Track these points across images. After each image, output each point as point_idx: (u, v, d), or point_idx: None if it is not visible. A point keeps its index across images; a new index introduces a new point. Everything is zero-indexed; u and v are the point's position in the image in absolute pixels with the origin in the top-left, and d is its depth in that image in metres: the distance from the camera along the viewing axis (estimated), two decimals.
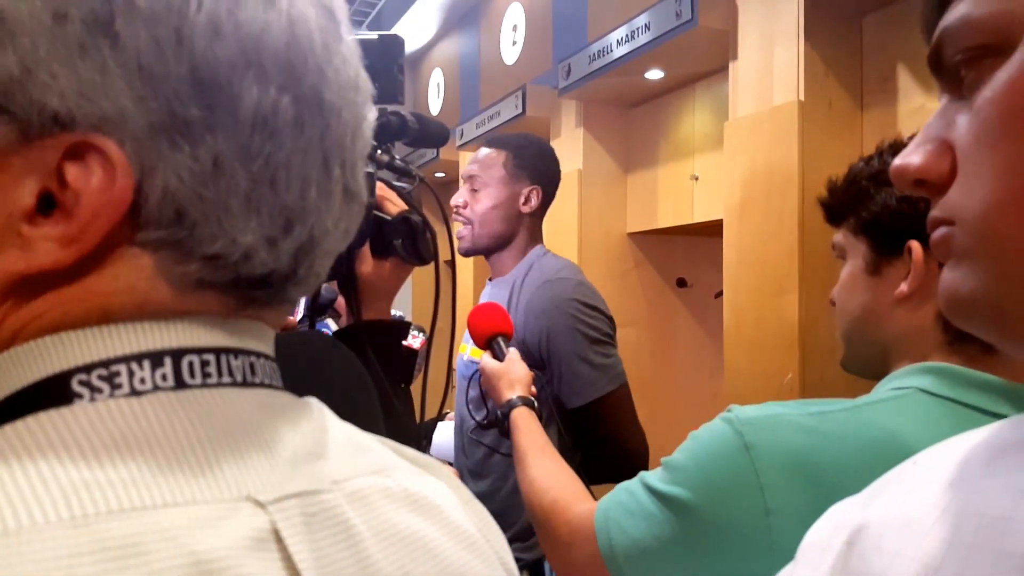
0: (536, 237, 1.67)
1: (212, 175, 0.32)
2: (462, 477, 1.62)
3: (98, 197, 0.31)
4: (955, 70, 0.35)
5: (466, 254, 1.66)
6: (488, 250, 1.65)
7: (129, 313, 0.33)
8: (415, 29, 4.61)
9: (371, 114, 0.39)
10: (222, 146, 0.32)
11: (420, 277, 4.14)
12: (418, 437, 0.96)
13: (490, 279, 1.71)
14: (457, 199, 1.64)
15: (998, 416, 0.70)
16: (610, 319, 1.57)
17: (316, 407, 0.40)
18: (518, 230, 1.63)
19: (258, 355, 0.37)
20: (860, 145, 1.94)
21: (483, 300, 1.58)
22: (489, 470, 1.56)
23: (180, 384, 0.33)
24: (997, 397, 0.71)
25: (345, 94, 0.36)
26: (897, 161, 0.36)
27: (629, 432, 1.52)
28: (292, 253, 0.36)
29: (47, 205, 0.31)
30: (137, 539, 0.28)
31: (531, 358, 1.50)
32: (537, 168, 1.64)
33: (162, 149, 0.31)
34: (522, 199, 1.62)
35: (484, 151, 1.65)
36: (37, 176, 0.31)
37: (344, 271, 0.87)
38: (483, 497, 1.72)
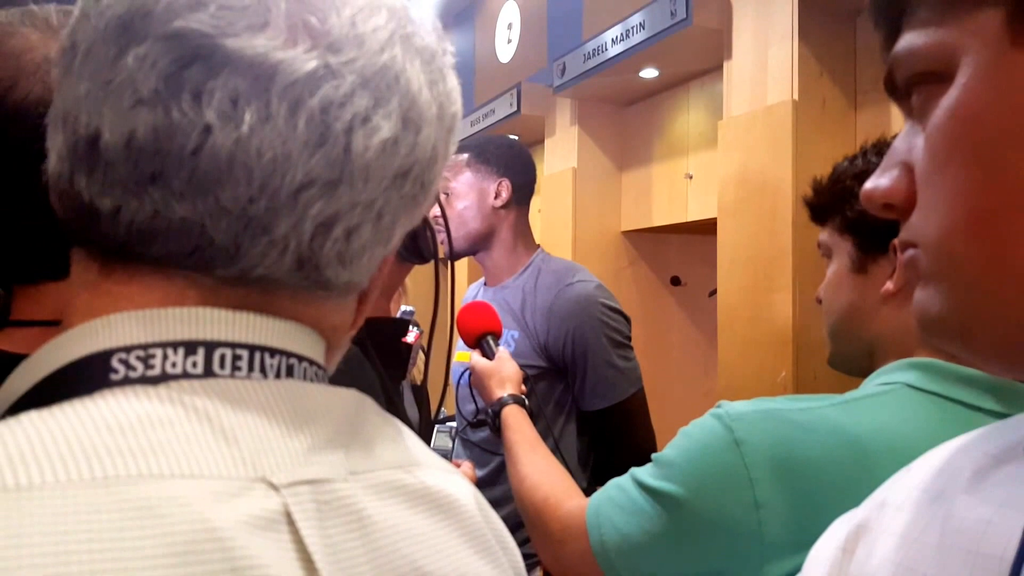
0: (525, 234, 1.67)
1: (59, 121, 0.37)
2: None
3: None
4: (908, 96, 0.36)
5: (445, 259, 1.66)
6: (470, 251, 1.65)
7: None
8: None
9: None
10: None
11: (417, 275, 4.13)
12: (424, 433, 0.97)
13: (485, 284, 1.71)
14: (434, 210, 1.63)
15: (982, 410, 0.72)
16: (628, 320, 1.59)
17: (352, 397, 0.41)
18: (496, 226, 1.63)
19: (300, 358, 0.38)
20: (854, 145, 1.95)
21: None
22: (504, 478, 1.56)
23: (209, 372, 0.35)
24: (981, 391, 0.73)
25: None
26: (867, 185, 0.37)
27: (644, 435, 1.55)
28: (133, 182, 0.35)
29: None
30: (154, 502, 0.30)
31: (552, 361, 1.52)
32: (501, 161, 1.64)
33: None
34: (492, 194, 1.62)
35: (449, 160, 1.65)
36: None
37: None
38: (494, 503, 1.71)
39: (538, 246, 1.69)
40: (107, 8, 0.35)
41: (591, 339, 1.50)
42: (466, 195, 1.61)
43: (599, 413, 1.51)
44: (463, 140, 1.75)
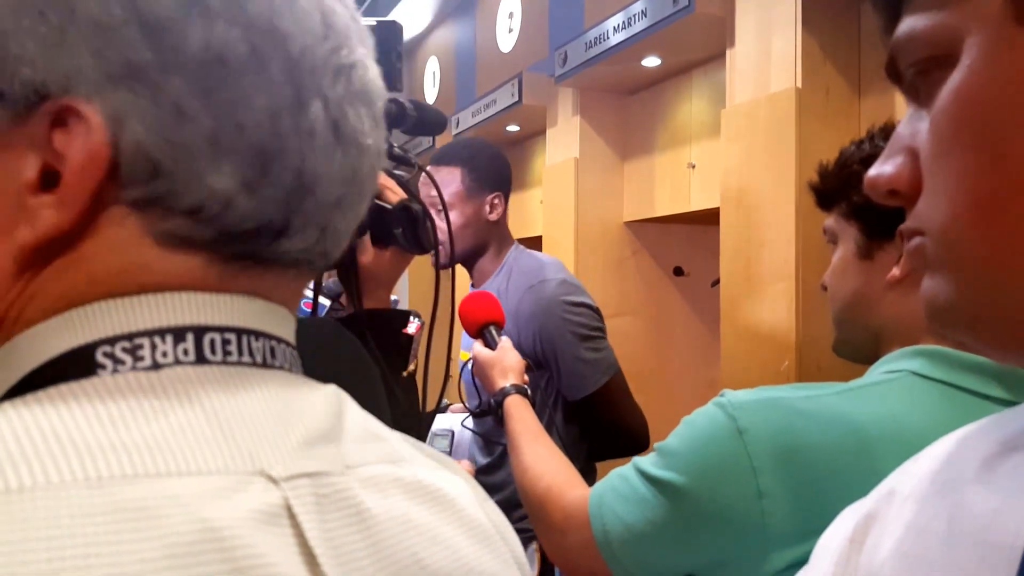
0: (507, 237, 1.72)
1: (176, 119, 0.33)
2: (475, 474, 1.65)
3: (80, 156, 0.32)
4: (911, 81, 0.35)
5: (442, 268, 1.67)
6: (464, 262, 1.70)
7: (124, 279, 0.34)
8: (411, 17, 4.59)
9: (362, 59, 0.39)
10: (179, 88, 0.33)
11: (416, 269, 4.14)
12: (420, 425, 0.97)
13: (472, 286, 1.74)
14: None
15: (990, 398, 0.71)
16: (596, 311, 1.62)
17: (335, 394, 0.40)
18: (490, 238, 1.68)
19: (279, 340, 0.38)
20: (858, 132, 1.93)
21: None
22: (506, 462, 1.59)
23: (201, 359, 0.34)
24: (988, 379, 0.72)
25: (308, 27, 0.36)
26: (871, 172, 0.36)
27: (628, 415, 1.60)
28: (281, 201, 0.35)
29: (53, 180, 0.33)
30: (150, 504, 0.29)
31: (527, 358, 1.55)
32: (493, 175, 1.67)
33: (125, 99, 0.32)
34: (487, 209, 1.66)
35: (437, 171, 1.66)
36: (36, 151, 0.33)
37: (345, 261, 0.88)
38: (496, 486, 1.72)
39: (513, 242, 1.73)
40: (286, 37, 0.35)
41: (556, 338, 1.54)
42: (461, 212, 1.64)
43: (581, 402, 1.57)
44: (441, 149, 1.76)
